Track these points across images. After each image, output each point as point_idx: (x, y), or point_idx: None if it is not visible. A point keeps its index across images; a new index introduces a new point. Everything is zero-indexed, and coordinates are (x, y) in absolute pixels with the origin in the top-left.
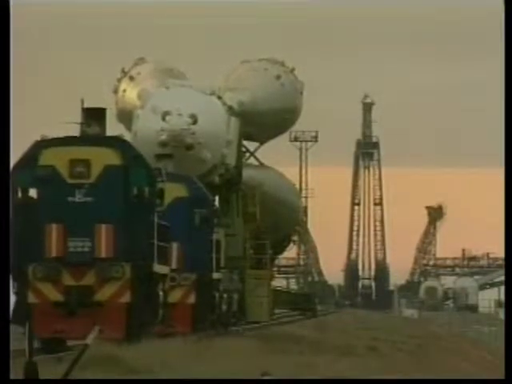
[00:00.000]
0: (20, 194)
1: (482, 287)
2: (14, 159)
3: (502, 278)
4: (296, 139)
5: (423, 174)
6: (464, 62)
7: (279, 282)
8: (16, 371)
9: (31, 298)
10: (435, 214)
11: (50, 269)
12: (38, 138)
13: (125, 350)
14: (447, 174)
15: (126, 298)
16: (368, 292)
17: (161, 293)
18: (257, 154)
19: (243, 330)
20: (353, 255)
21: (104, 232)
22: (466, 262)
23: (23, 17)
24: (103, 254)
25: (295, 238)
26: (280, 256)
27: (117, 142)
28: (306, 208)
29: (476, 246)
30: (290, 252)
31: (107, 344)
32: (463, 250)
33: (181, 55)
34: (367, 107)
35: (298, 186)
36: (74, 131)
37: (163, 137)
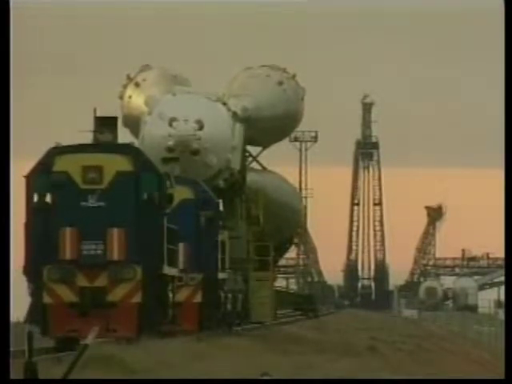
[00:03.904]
0: (35, 199)
1: (482, 287)
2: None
3: (502, 278)
4: (296, 139)
5: (423, 174)
6: (464, 61)
7: (279, 283)
8: (16, 371)
9: (46, 299)
10: (435, 214)
11: (64, 271)
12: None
13: (125, 349)
14: (447, 174)
15: (138, 298)
16: (368, 292)
17: (170, 293)
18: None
19: (242, 329)
20: (352, 255)
21: (116, 235)
22: (465, 263)
23: (23, 17)
24: (115, 257)
25: (296, 239)
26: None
27: (128, 149)
28: (305, 208)
29: (476, 246)
30: (290, 252)
31: (107, 344)
32: (463, 251)
33: (180, 55)
34: (367, 107)
35: (297, 186)
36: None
37: (170, 142)
